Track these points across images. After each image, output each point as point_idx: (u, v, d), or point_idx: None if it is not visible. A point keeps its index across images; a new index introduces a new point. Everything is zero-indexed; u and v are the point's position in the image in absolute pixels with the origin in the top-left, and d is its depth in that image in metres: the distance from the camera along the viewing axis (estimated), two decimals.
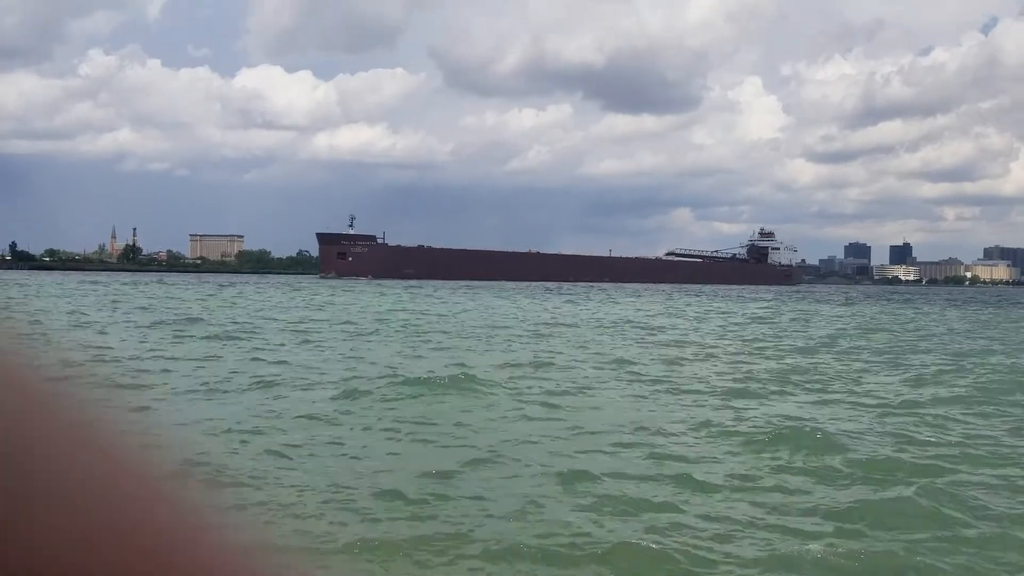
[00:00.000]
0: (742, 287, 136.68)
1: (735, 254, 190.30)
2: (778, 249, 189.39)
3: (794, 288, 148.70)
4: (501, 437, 9.42)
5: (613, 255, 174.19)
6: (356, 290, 72.65)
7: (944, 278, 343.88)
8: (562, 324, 31.52)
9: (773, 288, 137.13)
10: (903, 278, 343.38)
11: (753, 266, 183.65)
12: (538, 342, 23.10)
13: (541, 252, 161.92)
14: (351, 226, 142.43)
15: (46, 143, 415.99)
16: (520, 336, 25.13)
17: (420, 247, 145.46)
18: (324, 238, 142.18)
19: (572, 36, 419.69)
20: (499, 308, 44.38)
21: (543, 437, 9.48)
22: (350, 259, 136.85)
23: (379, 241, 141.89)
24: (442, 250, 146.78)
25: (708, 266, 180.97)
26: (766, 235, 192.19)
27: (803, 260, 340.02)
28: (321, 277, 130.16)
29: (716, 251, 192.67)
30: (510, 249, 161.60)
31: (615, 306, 50.51)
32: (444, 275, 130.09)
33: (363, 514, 6.47)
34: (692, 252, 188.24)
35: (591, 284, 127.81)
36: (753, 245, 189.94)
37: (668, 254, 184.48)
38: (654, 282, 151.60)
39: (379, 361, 17.16)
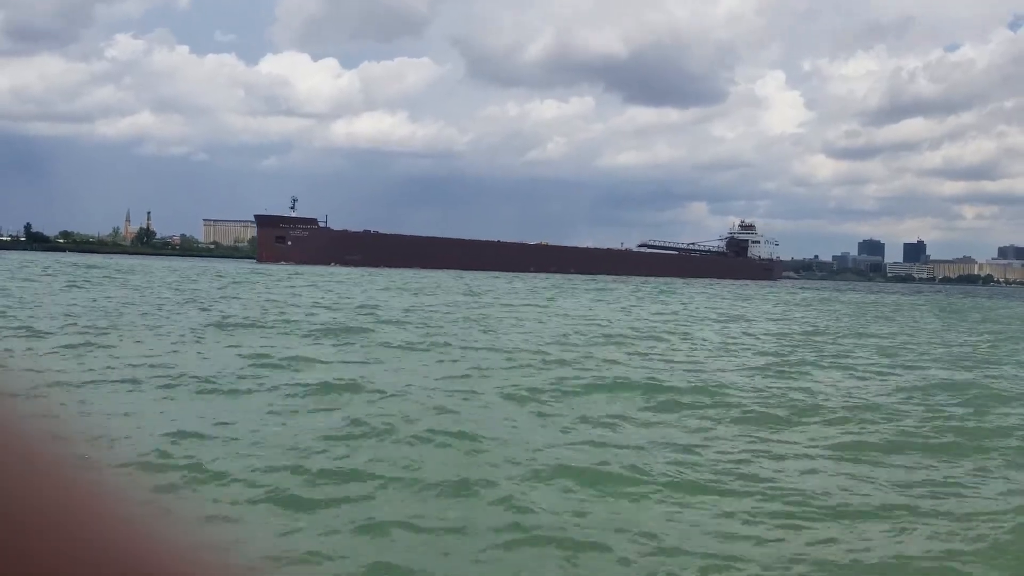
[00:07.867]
0: (718, 281, 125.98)
1: (713, 247, 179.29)
2: (758, 242, 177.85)
3: (771, 284, 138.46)
4: None
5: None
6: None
7: (957, 276, 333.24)
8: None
9: (751, 283, 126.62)
10: (916, 276, 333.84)
11: (732, 259, 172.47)
12: None
13: (501, 241, 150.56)
14: (292, 208, 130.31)
15: (66, 125, 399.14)
16: None
17: (367, 232, 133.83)
18: (262, 220, 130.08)
19: (599, 28, 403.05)
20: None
21: None
22: (289, 243, 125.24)
23: (321, 224, 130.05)
24: (391, 236, 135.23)
25: (684, 259, 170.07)
26: (746, 227, 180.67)
27: (816, 256, 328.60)
28: (258, 263, 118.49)
29: (693, 243, 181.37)
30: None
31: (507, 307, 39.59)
32: (392, 263, 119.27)
33: None
34: (667, 244, 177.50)
35: (552, 274, 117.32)
36: (732, 238, 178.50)
37: (641, 245, 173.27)
38: (626, 274, 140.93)
39: None
